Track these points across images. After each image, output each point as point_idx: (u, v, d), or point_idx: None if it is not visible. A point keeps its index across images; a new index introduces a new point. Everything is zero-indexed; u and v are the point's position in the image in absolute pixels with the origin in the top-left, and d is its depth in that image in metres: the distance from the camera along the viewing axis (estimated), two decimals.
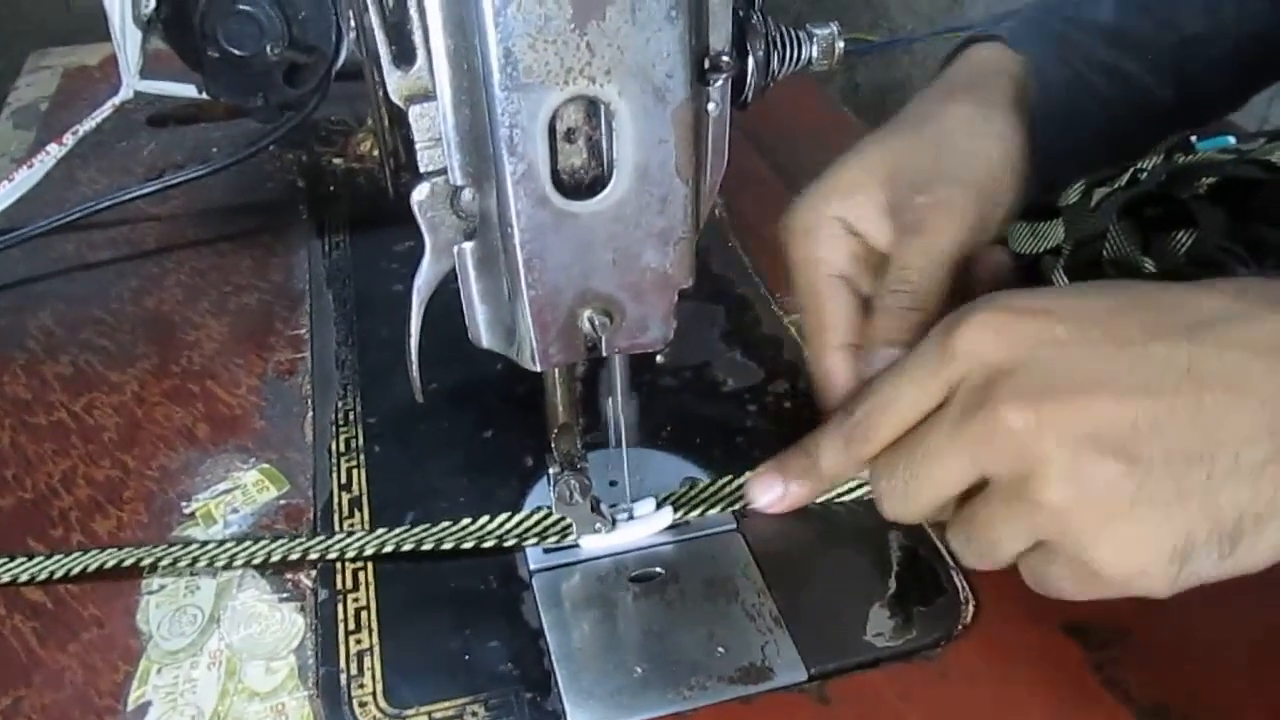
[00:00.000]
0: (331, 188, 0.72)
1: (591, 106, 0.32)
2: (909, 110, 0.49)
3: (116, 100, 0.65)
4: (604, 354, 0.37)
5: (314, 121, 0.74)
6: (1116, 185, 1.00)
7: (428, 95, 0.33)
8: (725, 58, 0.33)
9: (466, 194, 0.34)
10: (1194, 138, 1.26)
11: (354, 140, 0.76)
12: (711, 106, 0.34)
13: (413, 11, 0.31)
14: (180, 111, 0.80)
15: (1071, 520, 0.32)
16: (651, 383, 0.54)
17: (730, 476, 0.47)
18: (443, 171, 0.34)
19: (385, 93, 0.33)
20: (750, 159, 0.74)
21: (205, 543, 0.45)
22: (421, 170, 0.34)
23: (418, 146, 0.34)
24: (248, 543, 0.44)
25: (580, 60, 0.30)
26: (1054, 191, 0.69)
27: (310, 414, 0.52)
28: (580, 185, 0.33)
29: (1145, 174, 0.98)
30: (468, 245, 0.35)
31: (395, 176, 0.72)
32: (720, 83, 0.34)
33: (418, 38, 0.32)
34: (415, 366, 0.38)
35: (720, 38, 0.33)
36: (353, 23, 0.63)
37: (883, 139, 0.47)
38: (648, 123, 0.32)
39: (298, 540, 0.44)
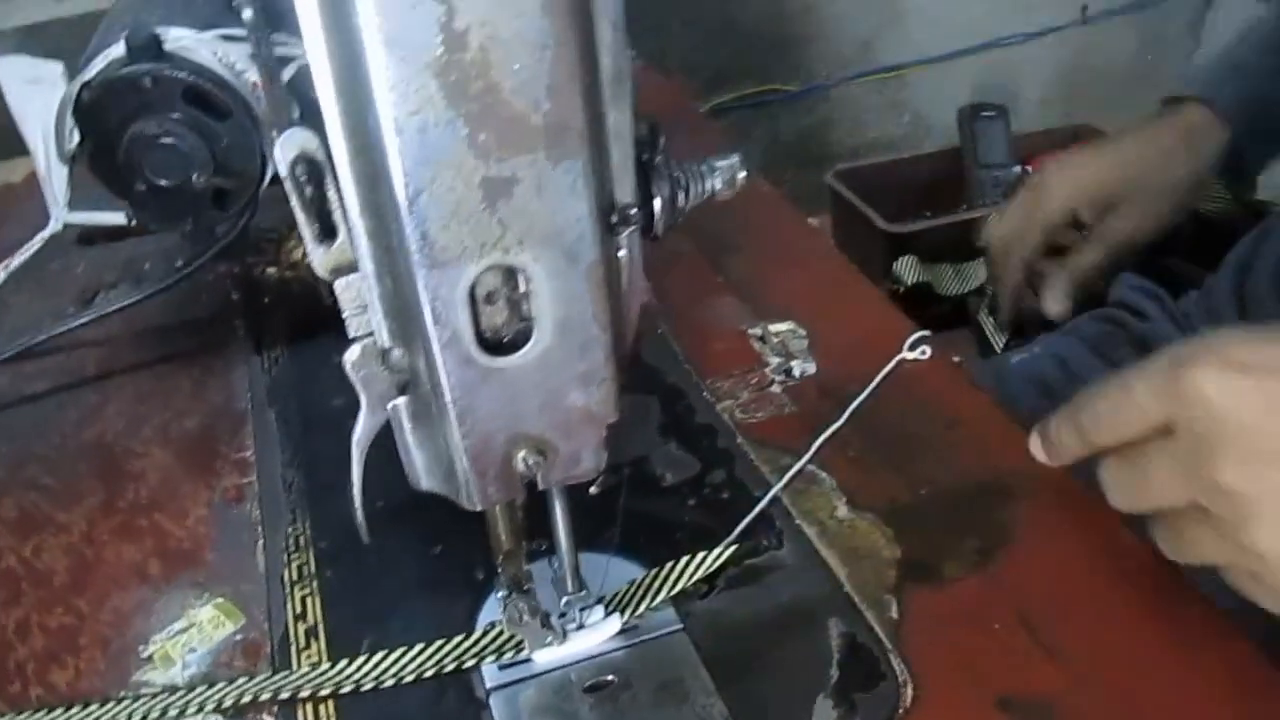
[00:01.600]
0: (266, 299, 0.73)
1: (508, 271, 0.34)
2: (1120, 131, 0.82)
3: (46, 234, 0.66)
4: (540, 488, 0.39)
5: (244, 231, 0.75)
6: None
7: (352, 267, 0.35)
8: (631, 210, 0.36)
9: (396, 353, 0.36)
10: None
11: (286, 248, 0.78)
12: (622, 254, 0.37)
13: (331, 194, 0.33)
14: (110, 229, 0.80)
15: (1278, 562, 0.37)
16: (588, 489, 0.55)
17: (670, 565, 0.49)
18: (370, 334, 0.36)
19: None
20: (671, 239, 0.76)
21: (163, 692, 0.46)
22: (350, 335, 0.36)
23: (345, 314, 0.35)
24: (204, 688, 0.45)
25: (493, 235, 0.32)
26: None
27: (261, 541, 0.53)
28: (503, 342, 0.35)
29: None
30: (401, 400, 0.37)
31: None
32: (629, 233, 0.36)
33: (338, 216, 0.34)
34: (360, 514, 0.39)
35: (625, 191, 0.36)
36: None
37: (1092, 152, 0.80)
38: (562, 282, 0.34)
39: (255, 682, 0.45)
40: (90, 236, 0.81)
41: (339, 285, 0.35)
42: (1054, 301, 0.80)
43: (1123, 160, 0.79)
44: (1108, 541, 0.50)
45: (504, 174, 0.31)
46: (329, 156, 0.32)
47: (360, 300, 0.35)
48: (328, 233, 0.34)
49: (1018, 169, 1.28)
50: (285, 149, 0.32)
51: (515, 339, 0.35)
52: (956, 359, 0.81)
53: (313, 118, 0.35)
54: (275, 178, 0.65)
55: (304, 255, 0.77)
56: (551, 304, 0.34)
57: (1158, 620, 0.46)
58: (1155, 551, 0.48)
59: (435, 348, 0.34)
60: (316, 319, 0.70)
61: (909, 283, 1.10)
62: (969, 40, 1.64)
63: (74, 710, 0.45)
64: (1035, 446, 0.50)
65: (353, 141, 0.31)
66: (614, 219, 0.35)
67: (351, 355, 0.36)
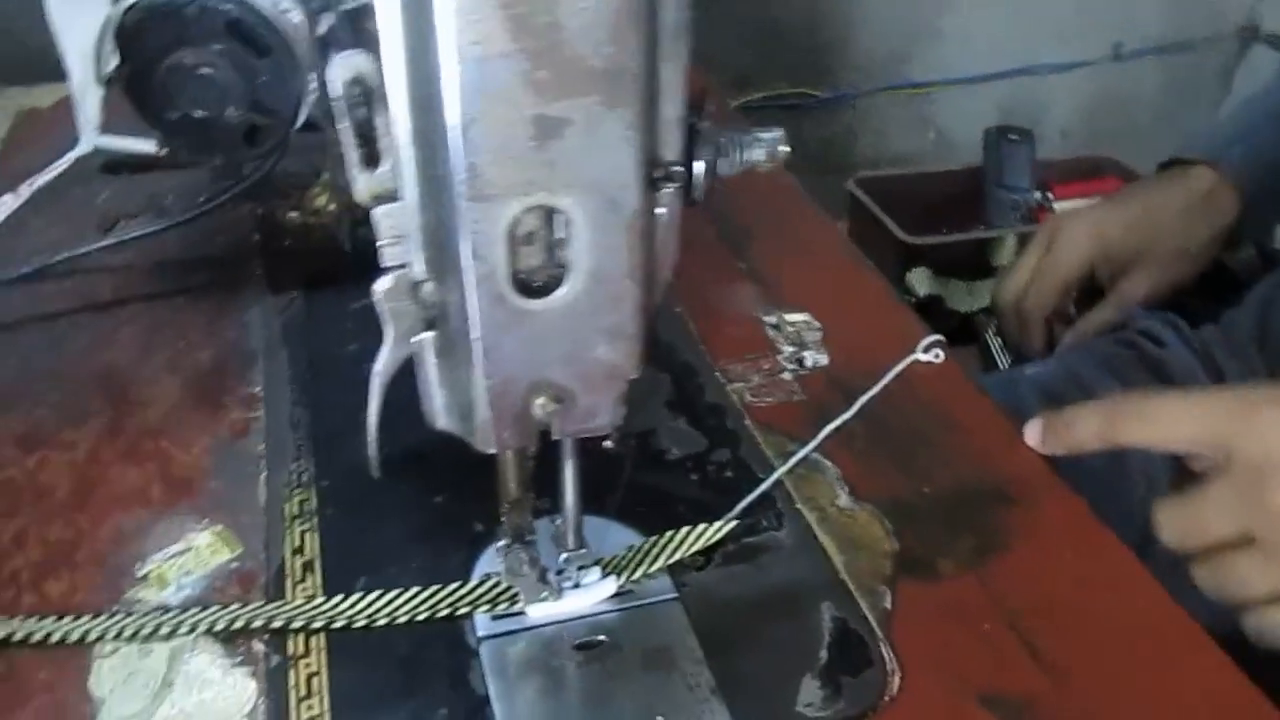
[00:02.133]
0: (287, 242, 0.73)
1: (549, 213, 0.34)
2: (1132, 189, 0.84)
3: (74, 155, 0.66)
4: (554, 437, 0.39)
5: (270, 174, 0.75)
6: None
7: (393, 196, 0.35)
8: (676, 168, 0.36)
9: (428, 287, 0.36)
10: None
11: (310, 194, 0.78)
12: (662, 211, 0.37)
13: (379, 121, 0.33)
14: (135, 159, 0.80)
15: None
16: (599, 450, 0.55)
17: (670, 533, 0.49)
18: (404, 265, 0.36)
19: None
20: (695, 223, 0.77)
21: (155, 610, 0.46)
22: (383, 265, 0.36)
23: (381, 243, 0.36)
24: (196, 610, 0.45)
25: (540, 175, 0.32)
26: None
27: (264, 475, 0.53)
28: (536, 285, 0.35)
29: None
30: (428, 335, 0.37)
31: (352, 232, 0.74)
32: (671, 191, 0.36)
33: (384, 144, 0.34)
34: (374, 446, 0.39)
35: (672, 150, 0.36)
36: (313, 85, 0.64)
37: (1108, 209, 0.81)
38: (602, 230, 0.34)
39: (249, 608, 0.45)
40: (115, 166, 0.81)
41: (378, 212, 0.35)
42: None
43: (1139, 222, 0.79)
44: (1100, 554, 0.50)
45: (557, 114, 0.31)
46: (382, 82, 0.32)
47: (398, 229, 0.35)
48: (372, 159, 0.34)
49: (1037, 194, 1.29)
50: (341, 69, 0.32)
51: (547, 283, 0.35)
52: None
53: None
54: (307, 122, 0.65)
55: (327, 201, 0.77)
56: (588, 251, 0.34)
57: (1142, 633, 0.46)
58: (1145, 569, 0.49)
59: (470, 282, 0.34)
60: (335, 266, 0.70)
61: (921, 295, 1.10)
62: (1000, 64, 1.65)
63: (64, 620, 0.45)
64: (1033, 431, 0.51)
65: (410, 67, 0.31)
66: (658, 175, 0.35)
67: (383, 285, 0.36)
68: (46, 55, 0.73)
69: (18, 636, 0.45)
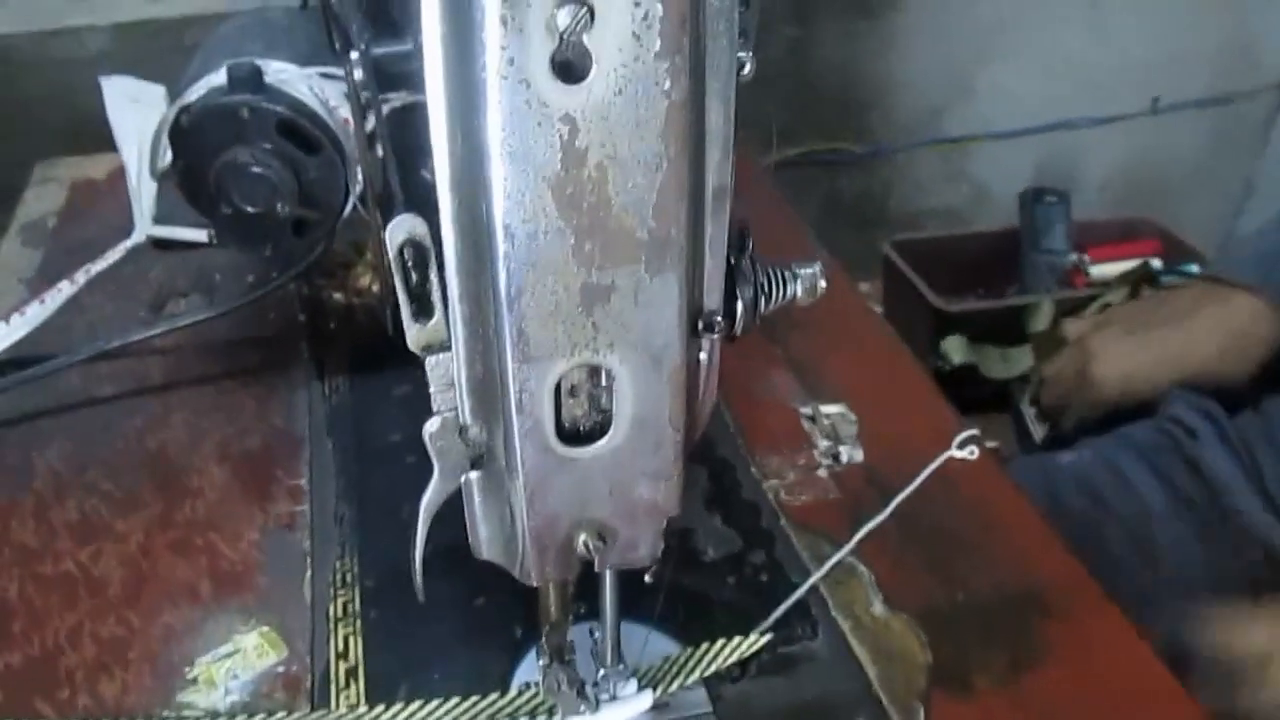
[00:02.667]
0: (332, 324, 0.75)
1: (594, 368, 0.35)
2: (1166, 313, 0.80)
3: (129, 244, 0.68)
4: (597, 570, 0.40)
5: None
6: (1083, 316, 1.04)
7: (444, 346, 0.36)
8: (717, 318, 0.37)
9: (474, 430, 0.37)
10: (1157, 263, 1.31)
11: (354, 273, 0.79)
12: (703, 356, 0.38)
13: (433, 277, 0.35)
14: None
15: None
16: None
17: (705, 646, 0.50)
18: (453, 409, 0.37)
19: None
20: None
21: (204, 716, 0.47)
22: (434, 409, 0.37)
23: (432, 389, 0.37)
24: (243, 718, 0.47)
25: (586, 336, 0.33)
26: None
27: (309, 573, 0.55)
28: (580, 433, 0.36)
29: (1112, 305, 1.03)
30: (474, 475, 0.38)
31: (394, 315, 0.75)
32: (713, 338, 0.37)
33: (436, 297, 0.35)
34: (419, 575, 0.40)
35: (714, 299, 0.37)
36: (359, 178, 0.66)
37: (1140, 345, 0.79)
38: (645, 384, 0.35)
39: (293, 717, 0.46)
40: (166, 243, 0.84)
41: (430, 362, 0.36)
42: None
43: (1172, 362, 0.78)
44: (1137, 669, 0.50)
45: (604, 282, 0.32)
46: (435, 242, 0.34)
47: (448, 378, 0.36)
48: (424, 311, 0.36)
49: (1074, 256, 1.29)
50: (395, 233, 0.34)
51: (592, 430, 0.36)
52: (994, 444, 0.82)
53: (403, 157, 0.37)
54: (354, 208, 0.67)
55: (370, 282, 0.79)
56: (632, 403, 0.35)
57: None
58: (1179, 685, 0.49)
59: (516, 434, 0.35)
60: (379, 350, 0.71)
61: (955, 362, 1.10)
62: (1036, 119, 1.65)
63: None
64: None
65: (463, 237, 0.33)
66: (700, 324, 0.36)
67: (432, 426, 0.37)
68: (102, 125, 0.76)
69: None
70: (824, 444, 0.64)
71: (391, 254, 0.34)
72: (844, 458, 0.63)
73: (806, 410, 0.67)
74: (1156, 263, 1.24)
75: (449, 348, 0.36)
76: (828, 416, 0.66)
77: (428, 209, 0.34)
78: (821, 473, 0.62)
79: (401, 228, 0.34)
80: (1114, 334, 0.82)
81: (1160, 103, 1.70)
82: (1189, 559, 0.64)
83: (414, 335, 0.36)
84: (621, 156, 0.30)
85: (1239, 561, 0.67)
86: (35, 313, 0.68)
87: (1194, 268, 1.22)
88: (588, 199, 0.31)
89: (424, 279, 0.35)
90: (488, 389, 0.36)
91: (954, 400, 0.71)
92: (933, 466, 0.61)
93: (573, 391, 0.36)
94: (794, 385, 0.69)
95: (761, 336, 0.74)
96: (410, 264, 0.35)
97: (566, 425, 0.36)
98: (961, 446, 0.63)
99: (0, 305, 0.77)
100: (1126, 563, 0.54)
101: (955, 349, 1.10)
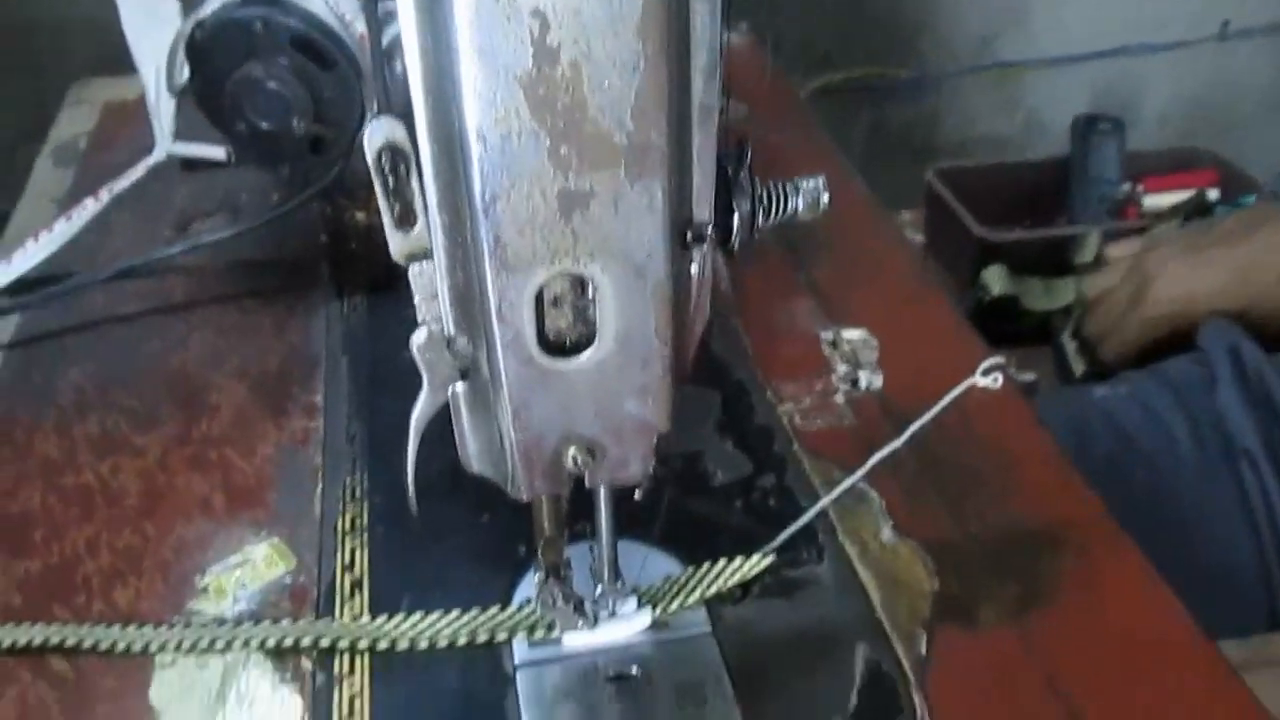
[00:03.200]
0: (353, 245, 0.75)
1: (576, 278, 0.34)
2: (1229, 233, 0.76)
3: (150, 162, 0.68)
4: (588, 486, 0.40)
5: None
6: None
7: (426, 254, 0.35)
8: (706, 229, 0.36)
9: (460, 341, 0.37)
10: (1213, 194, 1.26)
11: (375, 195, 0.79)
12: (694, 269, 0.37)
13: (414, 184, 0.34)
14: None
15: None
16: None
17: (707, 566, 0.49)
18: (439, 320, 0.37)
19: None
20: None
21: (212, 623, 0.48)
22: (419, 319, 0.37)
23: (416, 299, 0.36)
24: (250, 625, 0.47)
25: (565, 245, 0.33)
26: None
27: (320, 489, 0.55)
28: (565, 345, 0.36)
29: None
30: (460, 386, 0.38)
31: None
32: (703, 251, 0.36)
33: (418, 204, 0.34)
34: (412, 488, 0.40)
35: (703, 210, 0.36)
36: (375, 103, 0.66)
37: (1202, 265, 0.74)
38: (629, 296, 0.34)
39: (298, 626, 0.47)
40: (192, 164, 0.84)
41: (412, 271, 0.36)
42: None
43: (1234, 285, 0.74)
44: (1153, 610, 0.49)
45: (582, 188, 0.31)
46: (415, 147, 0.33)
47: (431, 287, 0.36)
48: (406, 219, 0.35)
49: (1126, 187, 1.24)
50: (372, 137, 0.33)
51: (578, 342, 0.36)
52: (1032, 376, 0.80)
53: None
54: None
55: None
56: (615, 316, 0.34)
57: (1190, 707, 0.45)
58: (1203, 635, 0.47)
59: (498, 345, 0.34)
60: (398, 270, 0.71)
61: (995, 293, 1.07)
62: (1094, 45, 1.58)
63: (129, 629, 0.48)
64: None
65: (437, 140, 0.32)
66: (689, 236, 0.35)
67: (418, 338, 0.37)
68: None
69: (87, 644, 0.47)
70: (843, 369, 0.63)
71: (370, 159, 0.34)
72: (863, 384, 0.62)
73: (827, 335, 0.65)
74: (1213, 194, 1.20)
75: (431, 256, 0.35)
76: (848, 341, 0.65)
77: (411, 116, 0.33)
78: (839, 398, 0.61)
79: (379, 131, 0.33)
80: (1171, 252, 0.78)
81: (1229, 28, 1.62)
82: (1210, 508, 0.62)
83: (397, 244, 0.36)
84: (596, 55, 0.29)
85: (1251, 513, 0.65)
86: (61, 230, 0.69)
87: (1252, 198, 1.17)
88: (562, 100, 0.30)
89: (405, 185, 0.34)
90: (470, 299, 0.35)
91: (993, 333, 0.70)
92: (955, 392, 0.59)
93: (555, 302, 0.35)
94: (816, 310, 0.68)
95: (784, 261, 0.73)
96: (388, 170, 0.34)
97: (551, 337, 0.35)
98: (986, 374, 0.61)
99: (33, 225, 0.78)
100: (1147, 509, 0.52)
101: (996, 279, 1.07)
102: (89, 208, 0.68)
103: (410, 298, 0.68)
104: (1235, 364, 0.69)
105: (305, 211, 0.78)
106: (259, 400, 0.61)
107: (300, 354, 0.65)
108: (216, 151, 0.70)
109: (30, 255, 0.68)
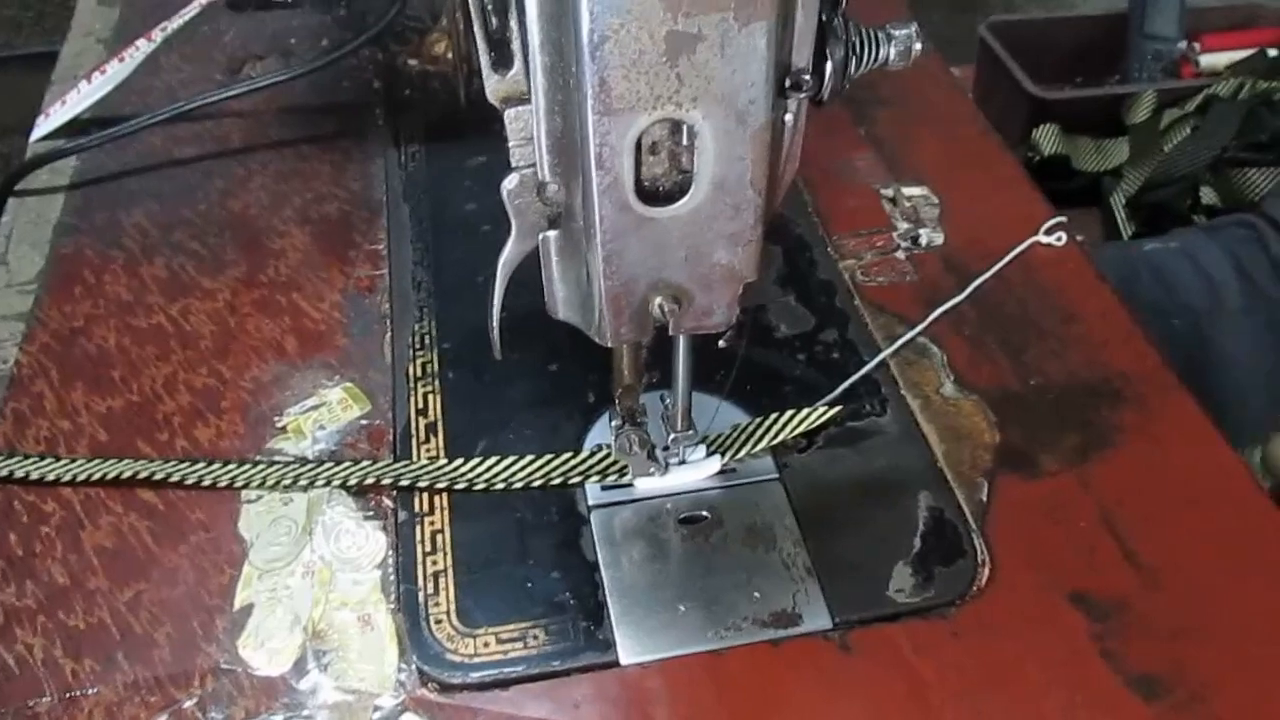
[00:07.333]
0: (407, 91, 0.74)
1: (676, 124, 0.34)
2: None
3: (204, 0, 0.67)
4: (671, 334, 0.40)
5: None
6: (1187, 109, 0.99)
7: (523, 99, 0.35)
8: (806, 77, 0.35)
9: (553, 187, 0.37)
10: (1274, 53, 1.22)
11: (429, 40, 0.77)
12: (789, 118, 0.36)
13: (514, 24, 0.33)
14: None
15: None
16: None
17: (774, 415, 0.50)
18: (532, 165, 0.36)
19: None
20: None
21: (294, 462, 0.50)
22: (512, 165, 0.37)
23: (510, 144, 0.36)
24: (331, 464, 0.49)
25: (669, 89, 0.32)
26: None
27: (389, 334, 0.56)
28: (660, 193, 0.36)
29: (1220, 98, 0.97)
30: (551, 233, 0.38)
31: (468, 83, 0.74)
32: (799, 98, 0.36)
33: (516, 47, 0.34)
34: (496, 333, 0.41)
35: (803, 56, 0.35)
36: None
37: None
38: (728, 142, 0.34)
39: (377, 466, 0.49)
40: (240, 3, 0.82)
41: (508, 115, 0.35)
42: None
43: None
44: (1205, 458, 0.50)
45: (690, 30, 0.31)
46: None
47: (526, 132, 0.35)
48: (503, 61, 0.35)
49: (1183, 44, 1.20)
50: None
51: (671, 190, 0.36)
52: (1080, 238, 0.79)
53: None
54: None
55: (445, 49, 0.77)
56: (713, 162, 0.34)
57: (1242, 545, 0.47)
58: (1253, 479, 0.49)
59: (594, 191, 0.34)
60: (455, 119, 0.71)
61: (1046, 153, 1.06)
62: None
63: (214, 466, 0.49)
64: None
65: None
66: (787, 83, 0.35)
67: (510, 183, 0.37)
68: None
69: (174, 478, 0.49)
70: (904, 226, 0.62)
71: None
72: (923, 240, 0.62)
73: (888, 191, 0.65)
74: (1274, 52, 1.16)
75: (528, 100, 0.35)
76: (909, 198, 0.64)
77: None
78: (900, 255, 0.61)
79: None
80: None
81: None
82: (1254, 361, 0.63)
83: (493, 86, 0.35)
84: None
85: None
86: (116, 71, 0.68)
87: None
88: None
89: (504, 25, 0.34)
90: (567, 144, 0.35)
91: (1043, 193, 0.69)
92: (1018, 250, 0.60)
93: (653, 149, 0.35)
94: (877, 166, 0.67)
95: (845, 116, 0.72)
96: (489, 8, 0.33)
97: (646, 184, 0.35)
98: (1049, 232, 0.61)
99: (79, 65, 0.77)
100: (1184, 358, 0.53)
101: (1047, 139, 1.05)
102: (142, 48, 0.68)
103: (469, 149, 0.68)
104: None
105: (357, 58, 0.77)
106: (322, 247, 0.62)
107: (360, 201, 0.65)
108: None
109: (85, 96, 0.68)
